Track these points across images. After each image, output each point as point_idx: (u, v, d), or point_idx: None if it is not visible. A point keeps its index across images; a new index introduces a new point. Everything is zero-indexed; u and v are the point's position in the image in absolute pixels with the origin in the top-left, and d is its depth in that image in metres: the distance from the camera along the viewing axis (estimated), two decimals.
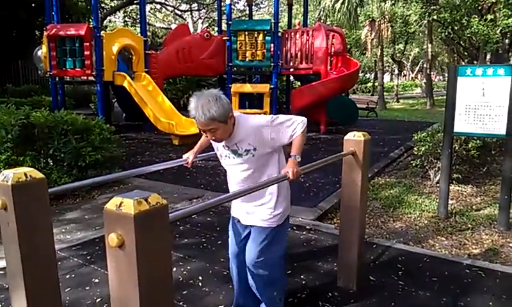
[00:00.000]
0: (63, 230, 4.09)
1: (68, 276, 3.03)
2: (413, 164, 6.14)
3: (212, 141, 2.36)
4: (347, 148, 2.72)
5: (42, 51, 10.68)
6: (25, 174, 1.62)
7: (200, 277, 3.00)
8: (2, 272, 3.04)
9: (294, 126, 2.23)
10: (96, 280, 2.97)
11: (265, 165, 2.28)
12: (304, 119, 2.27)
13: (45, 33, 9.84)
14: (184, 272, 3.09)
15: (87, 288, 2.86)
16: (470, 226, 4.30)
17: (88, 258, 3.36)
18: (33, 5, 15.11)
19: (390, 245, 3.64)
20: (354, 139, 2.72)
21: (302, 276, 3.02)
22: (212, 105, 2.03)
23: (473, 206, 4.91)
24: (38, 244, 1.67)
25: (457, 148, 5.41)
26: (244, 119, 2.22)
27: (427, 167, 5.91)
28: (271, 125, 2.19)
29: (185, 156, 2.61)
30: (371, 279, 2.99)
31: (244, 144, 2.21)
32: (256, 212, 2.33)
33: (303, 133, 2.26)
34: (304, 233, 3.90)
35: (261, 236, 2.30)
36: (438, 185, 5.10)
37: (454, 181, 5.53)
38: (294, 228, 4.01)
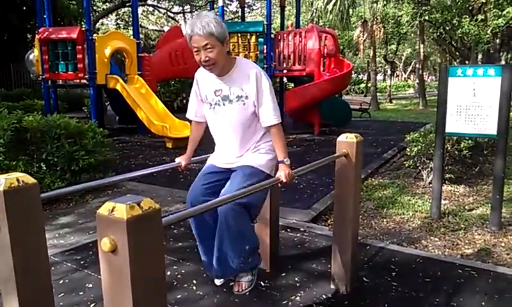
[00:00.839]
0: (56, 235, 4.07)
1: (61, 281, 3.02)
2: (406, 165, 6.18)
3: (201, 90, 2.38)
4: (340, 150, 2.73)
5: (34, 54, 10.62)
6: (18, 180, 1.61)
7: (194, 281, 3.00)
8: None
9: (275, 112, 2.26)
10: (90, 285, 2.96)
11: (253, 133, 2.33)
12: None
13: (37, 36, 9.78)
14: (178, 276, 3.09)
15: (81, 293, 2.85)
16: (462, 226, 4.33)
17: (82, 262, 3.34)
18: (24, 8, 15.02)
19: (384, 246, 3.67)
20: (347, 140, 2.73)
21: (296, 278, 3.02)
22: (211, 20, 2.07)
23: (466, 206, 4.95)
24: (30, 249, 1.66)
25: (449, 148, 5.45)
26: (244, 61, 2.29)
27: (420, 168, 5.95)
28: (258, 79, 2.22)
29: (177, 160, 2.61)
30: (365, 280, 3.01)
31: (237, 89, 2.23)
32: (244, 156, 2.35)
33: (280, 129, 2.30)
34: (298, 234, 3.91)
35: (247, 170, 2.28)
36: (430, 185, 5.13)
37: (446, 182, 5.57)
38: (288, 229, 4.02)
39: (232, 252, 2.29)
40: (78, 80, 10.67)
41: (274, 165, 2.42)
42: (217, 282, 2.55)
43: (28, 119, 4.95)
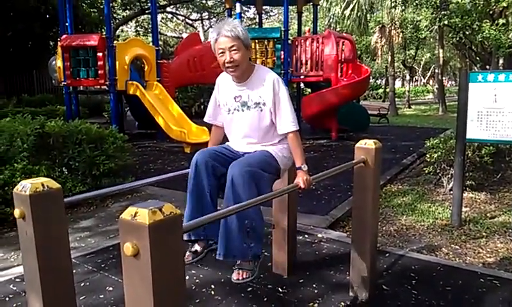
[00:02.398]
0: (78, 238, 4.15)
1: (82, 284, 3.07)
2: (426, 171, 6.10)
3: (221, 95, 2.42)
4: (358, 156, 2.72)
5: (56, 61, 10.88)
6: (42, 185, 1.66)
7: (212, 285, 3.01)
8: (19, 279, 3.10)
9: (293, 120, 2.29)
10: (110, 288, 3.01)
11: (270, 140, 2.37)
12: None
13: (59, 44, 10.03)
14: (196, 280, 3.11)
15: (101, 295, 2.90)
16: (484, 234, 4.25)
17: (102, 265, 3.40)
18: (47, 17, 15.42)
19: (403, 253, 3.62)
20: (365, 147, 2.71)
21: (314, 285, 3.01)
22: (238, 25, 2.15)
23: (488, 214, 4.85)
24: (54, 252, 1.71)
25: (470, 154, 5.36)
26: (262, 68, 2.34)
27: (440, 174, 5.86)
28: (276, 86, 2.26)
29: None
30: (384, 288, 2.97)
31: (255, 95, 2.27)
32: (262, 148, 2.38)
33: (298, 136, 2.31)
34: (316, 241, 3.89)
35: (266, 152, 2.30)
36: (451, 192, 5.05)
37: (467, 189, 5.47)
38: (306, 235, 4.01)
39: (234, 225, 2.19)
40: (99, 87, 10.88)
41: (287, 165, 2.46)
42: (186, 259, 2.42)
43: (50, 124, 5.07)
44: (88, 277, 3.19)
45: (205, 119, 2.63)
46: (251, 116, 2.30)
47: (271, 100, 2.25)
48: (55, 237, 1.71)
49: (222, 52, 2.16)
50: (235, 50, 2.13)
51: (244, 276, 2.30)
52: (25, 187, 1.63)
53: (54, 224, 1.70)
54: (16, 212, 1.65)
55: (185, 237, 2.44)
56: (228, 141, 2.57)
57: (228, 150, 2.45)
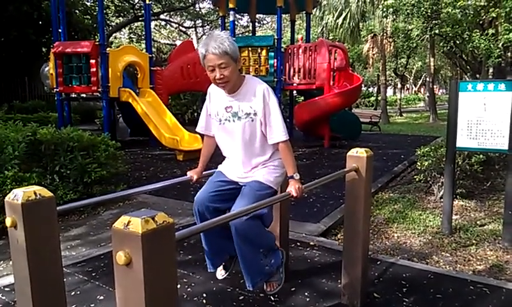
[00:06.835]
0: (68, 246, 4.11)
1: (73, 293, 3.05)
2: (417, 179, 6.15)
3: (212, 106, 2.45)
4: (350, 165, 2.74)
5: (49, 68, 10.83)
6: (35, 193, 1.66)
7: (204, 294, 3.01)
8: (8, 289, 3.07)
9: (283, 129, 2.31)
10: (101, 297, 2.99)
11: (263, 151, 2.39)
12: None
13: (52, 50, 9.99)
14: (188, 289, 3.10)
15: (92, 305, 2.88)
16: (474, 241, 4.29)
17: (93, 274, 3.38)
18: (40, 23, 15.37)
19: (394, 261, 3.64)
20: (357, 155, 2.74)
21: (306, 293, 3.02)
22: (225, 39, 2.15)
23: (478, 222, 4.90)
24: (45, 261, 1.70)
25: (460, 162, 5.42)
26: (252, 79, 2.36)
27: (430, 182, 5.91)
28: (266, 96, 2.29)
29: (189, 174, 2.65)
30: (375, 296, 2.99)
31: (246, 106, 2.30)
32: (253, 172, 2.41)
33: (288, 145, 2.34)
34: (307, 249, 3.90)
35: (256, 185, 2.33)
36: (441, 200, 5.10)
37: (457, 196, 5.52)
38: (298, 244, 4.01)
39: (253, 259, 2.36)
40: (91, 93, 10.84)
41: (281, 181, 2.49)
42: (219, 275, 2.71)
43: (42, 131, 5.04)
44: (79, 286, 3.17)
45: (197, 129, 2.65)
46: (242, 126, 2.32)
47: (261, 111, 2.27)
48: (47, 246, 1.70)
49: (212, 69, 2.19)
50: (224, 66, 2.15)
51: (275, 286, 2.52)
52: (17, 195, 1.63)
53: (46, 232, 1.69)
54: (8, 221, 1.64)
55: (211, 269, 2.66)
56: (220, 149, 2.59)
57: (223, 182, 2.49)
